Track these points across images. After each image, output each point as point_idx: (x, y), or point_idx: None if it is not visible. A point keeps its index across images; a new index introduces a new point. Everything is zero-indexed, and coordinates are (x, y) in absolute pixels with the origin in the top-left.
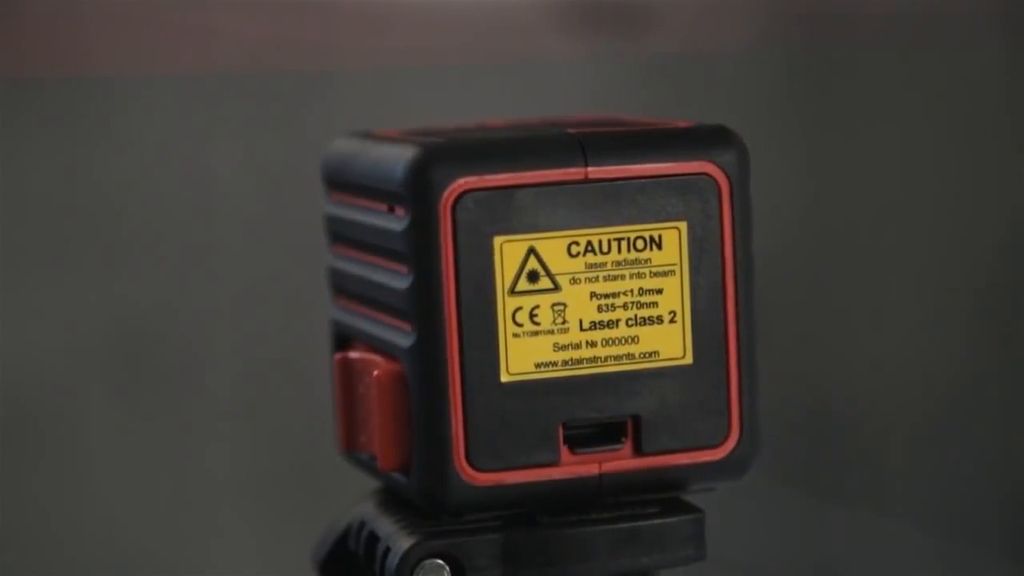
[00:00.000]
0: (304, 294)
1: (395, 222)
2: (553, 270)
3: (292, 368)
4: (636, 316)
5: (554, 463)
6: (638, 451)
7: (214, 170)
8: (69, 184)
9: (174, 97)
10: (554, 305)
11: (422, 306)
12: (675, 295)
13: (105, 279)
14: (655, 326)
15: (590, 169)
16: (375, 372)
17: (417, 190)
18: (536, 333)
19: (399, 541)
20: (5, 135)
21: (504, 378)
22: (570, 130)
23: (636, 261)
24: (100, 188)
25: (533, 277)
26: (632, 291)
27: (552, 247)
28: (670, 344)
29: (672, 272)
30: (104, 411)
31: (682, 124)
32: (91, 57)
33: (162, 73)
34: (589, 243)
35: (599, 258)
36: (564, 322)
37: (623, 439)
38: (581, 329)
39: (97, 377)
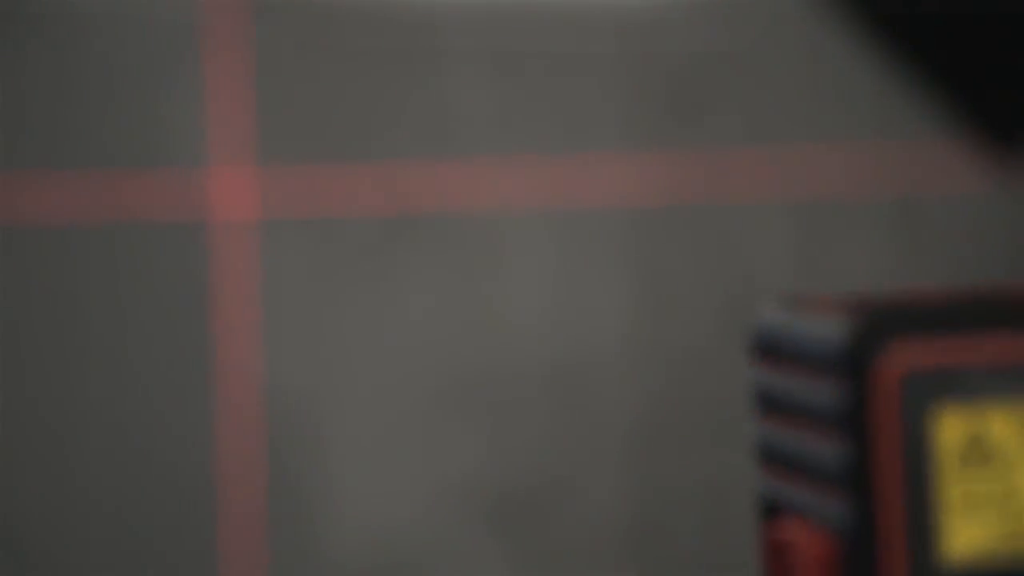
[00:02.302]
0: (701, 447)
1: (831, 393)
2: (1000, 448)
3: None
4: None
5: None
6: None
7: (594, 311)
8: (447, 324)
9: (550, 234)
10: (1000, 485)
11: (860, 481)
12: None
13: (479, 429)
14: None
15: None
16: (809, 548)
17: (856, 362)
18: (981, 514)
19: None
20: (384, 274)
21: (946, 560)
22: (1013, 300)
23: None
24: (479, 331)
25: (979, 455)
26: None
27: (998, 423)
28: None
29: None
30: (483, 563)
31: None
32: (468, 195)
33: (541, 214)
34: None
35: None
36: (1011, 504)
37: None
38: None
39: (474, 527)
